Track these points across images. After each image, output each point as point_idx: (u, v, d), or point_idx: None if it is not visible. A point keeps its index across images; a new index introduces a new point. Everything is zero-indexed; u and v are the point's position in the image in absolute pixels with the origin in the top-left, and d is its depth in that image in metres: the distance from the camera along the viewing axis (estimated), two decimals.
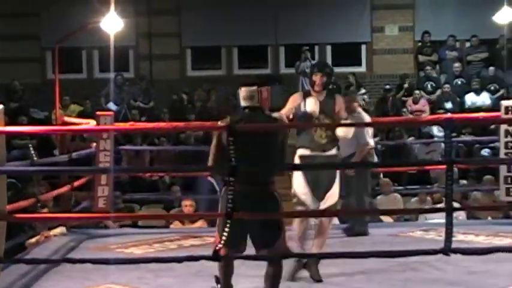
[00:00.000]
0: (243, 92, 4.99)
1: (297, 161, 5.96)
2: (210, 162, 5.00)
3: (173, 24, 15.77)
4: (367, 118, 7.83)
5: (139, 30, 15.63)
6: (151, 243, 7.48)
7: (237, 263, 5.06)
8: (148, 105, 14.87)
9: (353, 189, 7.69)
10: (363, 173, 7.80)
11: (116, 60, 13.53)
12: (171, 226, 9.03)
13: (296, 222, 5.99)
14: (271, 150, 4.87)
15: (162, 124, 10.76)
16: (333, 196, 5.88)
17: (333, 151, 5.92)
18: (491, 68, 14.71)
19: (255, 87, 4.98)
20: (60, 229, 7.74)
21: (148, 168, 11.87)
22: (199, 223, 9.05)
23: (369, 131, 7.74)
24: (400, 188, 10.90)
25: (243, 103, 4.99)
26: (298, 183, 5.90)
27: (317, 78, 5.91)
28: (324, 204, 5.83)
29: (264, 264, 4.97)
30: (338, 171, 6.00)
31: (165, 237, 7.82)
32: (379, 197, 10.26)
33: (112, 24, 11.74)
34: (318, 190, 5.86)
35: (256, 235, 4.84)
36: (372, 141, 7.77)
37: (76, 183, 8.16)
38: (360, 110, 7.84)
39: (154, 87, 15.42)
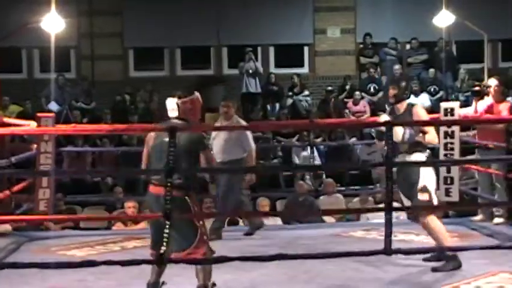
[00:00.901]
0: (167, 103, 5.27)
1: None
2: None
3: (115, 25, 15.64)
4: (243, 123, 8.06)
5: (81, 30, 15.46)
6: (93, 245, 7.41)
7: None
8: (90, 106, 14.73)
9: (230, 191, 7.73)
10: (238, 175, 7.85)
11: (57, 61, 13.37)
12: (114, 228, 8.96)
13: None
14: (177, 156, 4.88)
15: (104, 126, 10.66)
16: None
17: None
18: (431, 70, 14.97)
19: (176, 100, 5.22)
20: (5, 227, 7.61)
21: (90, 170, 11.78)
22: (142, 224, 8.99)
23: (250, 135, 7.89)
24: (343, 188, 11.02)
25: (169, 113, 5.27)
26: None
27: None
28: None
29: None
30: None
31: (108, 239, 7.75)
32: (321, 198, 10.36)
33: (53, 23, 11.62)
34: None
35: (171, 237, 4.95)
36: (253, 145, 7.85)
37: (17, 186, 8.02)
38: (236, 116, 8.00)
39: (96, 88, 15.27)
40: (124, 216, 9.30)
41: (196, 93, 5.32)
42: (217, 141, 7.69)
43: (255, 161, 7.90)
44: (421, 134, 5.98)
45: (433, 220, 5.88)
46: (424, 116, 6.13)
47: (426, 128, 6.02)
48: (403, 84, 6.12)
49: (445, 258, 5.95)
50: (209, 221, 7.57)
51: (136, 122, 13.36)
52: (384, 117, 6.00)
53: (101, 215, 10.26)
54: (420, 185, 5.88)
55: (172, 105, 5.24)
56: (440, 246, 5.95)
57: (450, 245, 5.92)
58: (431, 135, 6.04)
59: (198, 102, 5.36)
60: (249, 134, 7.87)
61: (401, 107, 6.07)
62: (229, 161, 7.59)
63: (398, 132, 5.81)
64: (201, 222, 5.19)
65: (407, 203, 6.10)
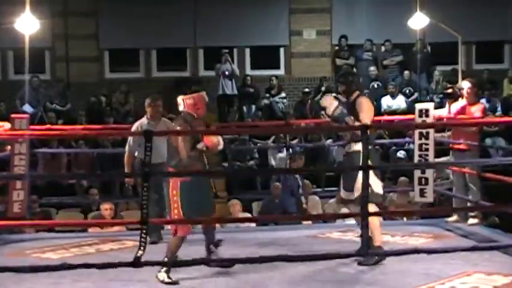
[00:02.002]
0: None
1: None
2: None
3: (90, 26, 15.56)
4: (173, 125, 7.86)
5: (55, 31, 15.37)
6: (69, 248, 7.36)
7: None
8: (65, 108, 14.63)
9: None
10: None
11: (31, 62, 13.28)
12: (89, 230, 8.91)
13: None
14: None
15: (79, 128, 10.59)
16: None
17: None
18: (407, 72, 15.06)
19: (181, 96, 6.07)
20: None
21: (65, 174, 11.71)
22: (118, 227, 8.95)
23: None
24: (319, 190, 11.03)
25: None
26: None
27: None
28: None
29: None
30: None
31: (83, 242, 7.69)
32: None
33: (27, 24, 11.55)
34: None
35: None
36: None
37: None
38: (164, 118, 7.87)
39: (71, 89, 15.18)
40: (100, 220, 9.24)
41: (202, 92, 6.14)
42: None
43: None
44: (356, 123, 6.15)
45: (372, 217, 6.03)
46: (366, 106, 6.31)
47: (362, 115, 6.19)
48: (350, 78, 6.57)
49: (370, 252, 6.05)
50: None
51: (112, 123, 13.30)
52: (327, 98, 6.51)
53: (78, 220, 10.21)
54: (358, 182, 5.94)
55: (179, 101, 6.02)
56: (415, 248, 5.99)
57: (381, 242, 6.11)
58: (363, 115, 6.19)
59: (201, 98, 6.12)
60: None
61: (353, 97, 6.42)
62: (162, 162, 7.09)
63: (333, 104, 6.26)
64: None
65: (345, 195, 6.29)
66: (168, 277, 5.79)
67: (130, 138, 7.76)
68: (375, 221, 6.14)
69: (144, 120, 7.78)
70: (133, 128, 7.85)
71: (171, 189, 5.88)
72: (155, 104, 7.75)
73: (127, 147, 7.74)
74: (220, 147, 6.11)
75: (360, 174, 5.75)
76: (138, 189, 8.05)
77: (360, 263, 6.09)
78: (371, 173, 5.86)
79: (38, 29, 11.88)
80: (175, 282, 5.78)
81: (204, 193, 6.02)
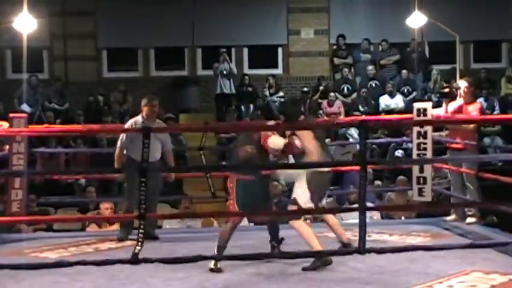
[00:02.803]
0: None
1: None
2: None
3: (88, 25, 15.56)
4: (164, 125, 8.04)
5: (53, 30, 15.36)
6: (67, 247, 7.35)
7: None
8: (63, 107, 14.63)
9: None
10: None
11: (29, 61, 13.30)
12: (88, 229, 8.91)
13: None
14: None
15: (78, 127, 10.59)
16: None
17: None
18: (404, 71, 15.07)
19: None
20: None
21: (63, 171, 11.68)
22: (116, 226, 8.96)
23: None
24: None
25: None
26: None
27: None
28: None
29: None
30: None
31: (81, 241, 7.69)
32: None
33: (25, 24, 11.54)
34: None
35: None
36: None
37: None
38: (158, 120, 7.88)
39: (69, 88, 15.18)
40: (99, 217, 9.25)
41: None
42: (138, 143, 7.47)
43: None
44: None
45: (300, 225, 6.16)
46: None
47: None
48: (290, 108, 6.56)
49: (315, 257, 6.14)
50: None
51: (110, 122, 13.30)
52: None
53: (76, 216, 10.20)
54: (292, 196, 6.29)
55: None
56: (413, 245, 6.00)
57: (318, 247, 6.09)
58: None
59: None
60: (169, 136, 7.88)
61: None
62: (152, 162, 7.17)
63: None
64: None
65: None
66: (215, 264, 6.00)
67: (123, 135, 7.77)
68: (305, 231, 6.16)
69: (138, 118, 7.78)
70: (127, 125, 7.87)
71: (228, 182, 6.30)
72: (151, 104, 7.74)
73: (119, 143, 7.75)
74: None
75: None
76: (124, 186, 8.04)
77: (304, 269, 6.10)
78: (303, 186, 6.12)
79: (36, 28, 11.88)
80: (218, 270, 5.98)
81: (255, 191, 6.25)
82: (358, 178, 5.77)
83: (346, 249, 6.01)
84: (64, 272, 5.85)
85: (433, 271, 5.90)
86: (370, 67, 15.07)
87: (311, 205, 6.19)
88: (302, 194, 6.19)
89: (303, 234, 6.11)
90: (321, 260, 6.10)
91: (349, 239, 6.34)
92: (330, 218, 6.48)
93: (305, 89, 14.87)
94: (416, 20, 13.18)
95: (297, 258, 6.05)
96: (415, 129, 8.19)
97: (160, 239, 7.70)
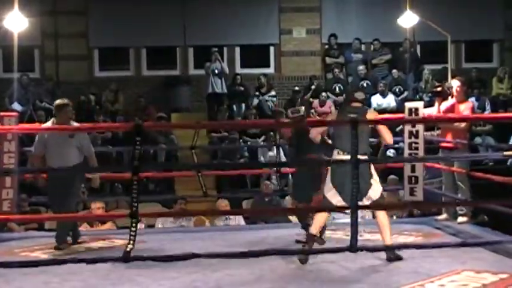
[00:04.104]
0: None
1: None
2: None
3: (80, 24, 15.51)
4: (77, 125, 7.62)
5: (44, 29, 15.32)
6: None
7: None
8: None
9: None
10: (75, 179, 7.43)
11: (20, 60, 13.26)
12: (79, 229, 8.88)
13: None
14: None
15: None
16: None
17: None
18: (395, 71, 15.09)
19: None
20: None
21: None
22: (108, 225, 8.95)
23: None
24: None
25: None
26: None
27: None
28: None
29: None
30: None
31: None
32: (287, 198, 10.38)
33: (16, 23, 11.51)
34: None
35: None
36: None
37: None
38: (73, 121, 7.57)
39: (60, 88, 15.13)
40: (91, 215, 9.23)
41: None
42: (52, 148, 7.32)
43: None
44: None
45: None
46: None
47: None
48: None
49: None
50: None
51: (101, 122, 13.27)
52: None
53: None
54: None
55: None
56: (404, 244, 6.00)
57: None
58: None
59: None
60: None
61: None
62: (74, 165, 7.23)
63: None
64: None
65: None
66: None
67: (36, 138, 7.45)
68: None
69: (49, 124, 7.56)
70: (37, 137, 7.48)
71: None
72: (67, 109, 7.45)
73: (33, 149, 7.48)
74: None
75: None
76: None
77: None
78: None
79: (27, 27, 11.85)
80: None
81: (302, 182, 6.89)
82: None
83: (337, 247, 6.00)
84: (55, 271, 5.83)
85: (425, 270, 5.91)
86: (361, 67, 15.07)
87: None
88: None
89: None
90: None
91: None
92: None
93: (296, 88, 14.87)
94: (408, 19, 13.21)
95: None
96: (407, 128, 8.20)
97: (153, 238, 7.69)
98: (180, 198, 9.91)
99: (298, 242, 7.08)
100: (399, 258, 6.19)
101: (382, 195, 6.39)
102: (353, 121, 5.57)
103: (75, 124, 7.53)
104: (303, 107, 7.46)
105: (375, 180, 6.29)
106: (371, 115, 6.34)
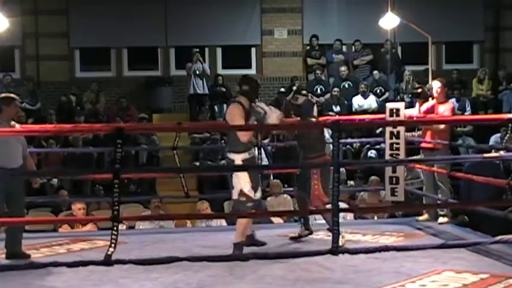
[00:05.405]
0: None
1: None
2: None
3: (61, 24, 15.44)
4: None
5: (25, 29, 15.24)
6: (39, 248, 7.29)
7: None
8: (35, 107, 14.51)
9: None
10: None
11: (0, 60, 13.17)
12: (60, 230, 8.85)
13: None
14: None
15: (49, 126, 10.51)
16: None
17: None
18: (376, 72, 15.15)
19: None
20: None
21: (34, 171, 11.57)
22: (89, 226, 8.92)
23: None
24: (290, 189, 11.04)
25: None
26: None
27: None
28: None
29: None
30: None
31: (54, 242, 7.63)
32: (269, 198, 10.40)
33: None
34: None
35: None
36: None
37: None
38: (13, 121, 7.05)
39: (41, 88, 15.07)
40: (72, 217, 9.19)
41: None
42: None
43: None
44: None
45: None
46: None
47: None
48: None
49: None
50: None
51: (82, 122, 13.22)
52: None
53: (48, 218, 10.13)
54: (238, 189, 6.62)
55: None
56: (386, 246, 6.03)
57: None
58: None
59: None
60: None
61: None
62: (12, 168, 6.75)
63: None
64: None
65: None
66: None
67: None
68: (243, 220, 6.64)
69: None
70: None
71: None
72: (14, 104, 6.87)
73: None
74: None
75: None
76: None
77: None
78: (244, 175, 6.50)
79: (7, 27, 11.79)
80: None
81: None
82: None
83: (319, 250, 6.02)
84: (36, 272, 5.80)
85: (406, 270, 5.93)
86: (342, 68, 15.11)
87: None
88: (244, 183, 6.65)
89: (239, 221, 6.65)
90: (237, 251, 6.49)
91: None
92: None
93: (282, 89, 14.87)
94: (389, 21, 13.26)
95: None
96: (388, 129, 8.23)
97: (134, 240, 7.66)
98: (158, 199, 9.85)
99: (292, 238, 7.34)
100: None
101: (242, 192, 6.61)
102: None
103: (16, 123, 7.05)
104: (303, 97, 7.80)
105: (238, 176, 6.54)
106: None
